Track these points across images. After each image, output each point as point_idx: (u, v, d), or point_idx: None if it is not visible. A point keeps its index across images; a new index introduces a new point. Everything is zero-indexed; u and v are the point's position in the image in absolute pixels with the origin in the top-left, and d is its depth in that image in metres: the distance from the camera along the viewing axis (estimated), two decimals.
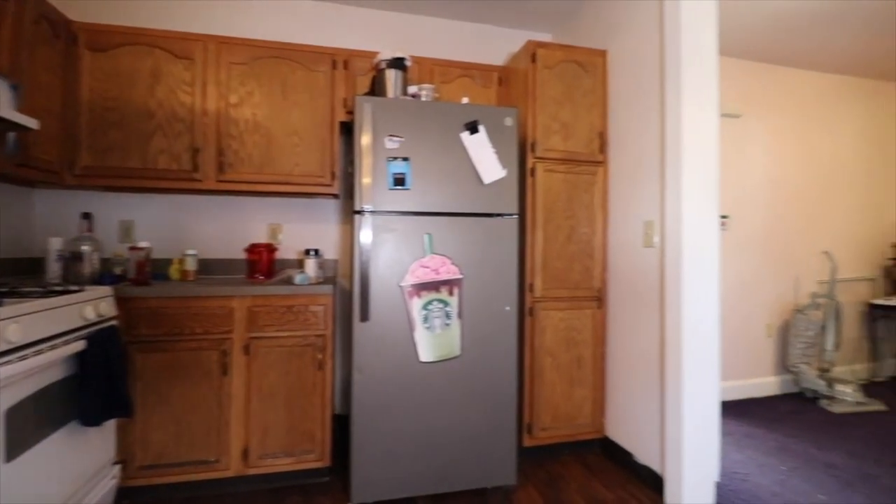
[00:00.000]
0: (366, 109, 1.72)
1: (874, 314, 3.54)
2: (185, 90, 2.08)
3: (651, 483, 1.95)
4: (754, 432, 2.58)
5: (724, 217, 3.11)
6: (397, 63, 1.98)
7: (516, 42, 2.93)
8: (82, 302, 1.50)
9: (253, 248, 2.25)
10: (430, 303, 1.79)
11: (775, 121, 3.32)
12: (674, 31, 1.82)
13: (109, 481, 1.66)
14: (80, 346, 1.39)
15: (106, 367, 1.51)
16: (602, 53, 2.29)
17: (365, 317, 1.73)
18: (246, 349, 1.88)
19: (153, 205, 2.33)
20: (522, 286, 2.21)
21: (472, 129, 1.84)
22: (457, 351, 1.83)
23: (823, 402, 3.02)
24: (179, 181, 2.08)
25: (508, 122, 1.89)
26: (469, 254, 1.84)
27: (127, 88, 2.03)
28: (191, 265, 2.12)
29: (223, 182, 2.12)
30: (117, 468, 1.72)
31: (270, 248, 2.24)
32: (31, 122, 1.55)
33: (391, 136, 1.75)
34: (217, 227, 2.40)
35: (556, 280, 2.19)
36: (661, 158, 1.93)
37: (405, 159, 1.77)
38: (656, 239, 1.95)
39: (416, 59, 2.39)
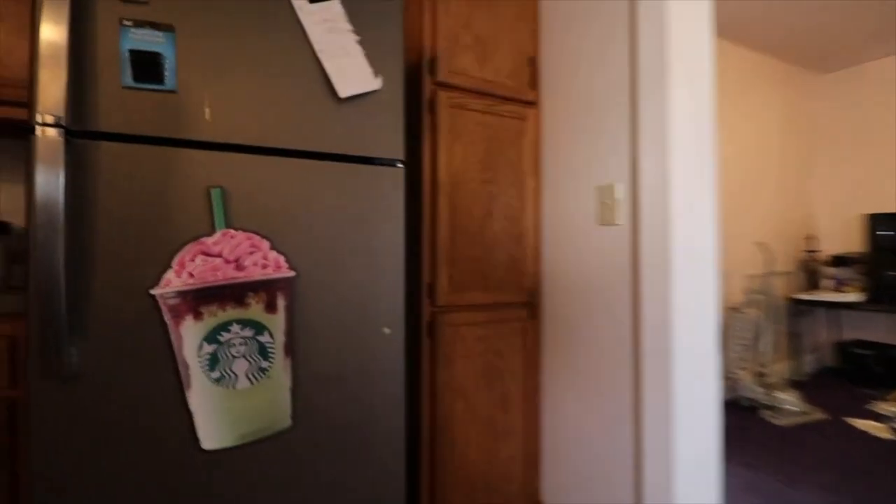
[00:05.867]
0: None
1: (796, 309, 3.34)
2: None
3: None
4: None
5: None
6: None
7: None
8: None
9: None
10: (221, 329, 0.88)
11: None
12: None
13: None
14: None
15: None
16: None
17: (52, 367, 0.76)
18: None
19: None
20: (414, 289, 1.39)
21: None
22: (283, 420, 0.94)
23: (766, 413, 2.65)
24: None
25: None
26: (311, 232, 0.97)
27: None
28: None
29: None
30: None
31: None
32: None
33: None
34: None
35: (470, 277, 1.40)
36: (630, 94, 1.23)
37: (163, 28, 0.84)
38: (621, 213, 1.25)
39: None
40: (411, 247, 1.42)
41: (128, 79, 0.82)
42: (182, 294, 0.85)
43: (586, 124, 1.38)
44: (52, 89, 0.72)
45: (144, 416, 0.84)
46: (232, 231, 0.89)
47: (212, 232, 0.87)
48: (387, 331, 1.04)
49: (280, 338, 0.93)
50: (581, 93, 1.40)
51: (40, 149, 0.72)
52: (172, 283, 0.84)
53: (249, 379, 0.90)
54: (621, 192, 1.25)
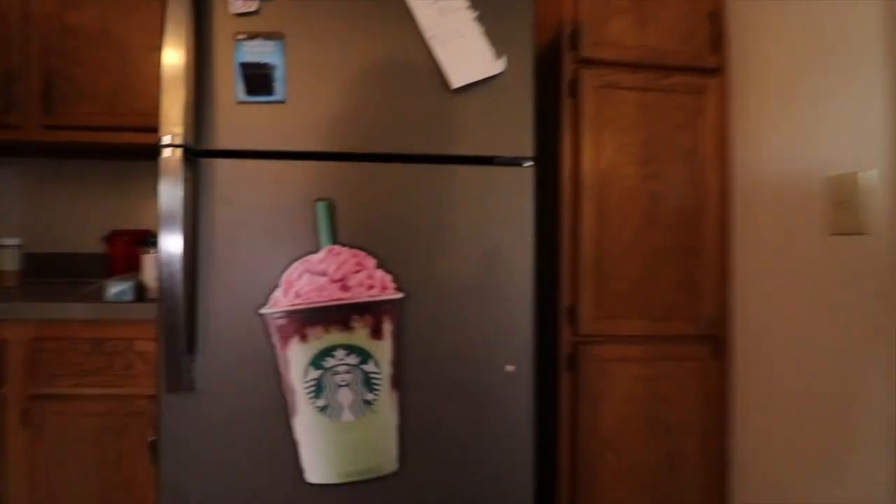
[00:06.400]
0: None
1: None
2: None
3: None
4: None
5: None
6: None
7: None
8: None
9: (114, 237, 1.41)
10: (326, 353, 0.81)
11: None
12: None
13: None
14: None
15: None
16: None
17: (179, 381, 0.79)
18: (25, 417, 1.03)
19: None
20: (549, 314, 1.15)
21: None
22: (389, 463, 0.83)
23: None
24: None
25: None
26: (421, 248, 0.84)
27: None
28: (9, 263, 1.32)
29: (53, 130, 1.30)
30: None
31: (138, 237, 1.38)
32: None
33: None
34: (66, 206, 1.56)
35: (623, 300, 1.11)
36: (892, 35, 0.79)
37: (274, 37, 0.81)
38: (874, 216, 0.81)
39: None
40: (545, 263, 1.19)
41: (241, 93, 0.81)
42: (289, 314, 0.80)
43: (808, 89, 0.96)
44: (173, 111, 0.74)
45: (253, 439, 0.81)
46: (338, 247, 0.81)
47: (318, 248, 0.81)
48: (510, 368, 0.85)
49: (386, 368, 0.82)
50: (797, 45, 0.98)
51: (162, 168, 0.74)
52: (280, 302, 0.80)
53: (354, 411, 0.81)
54: (873, 182, 0.81)
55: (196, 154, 0.80)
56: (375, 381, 0.82)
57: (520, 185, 0.86)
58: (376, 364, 0.82)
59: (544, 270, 1.18)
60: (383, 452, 0.82)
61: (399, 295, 0.82)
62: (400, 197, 0.84)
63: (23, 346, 1.03)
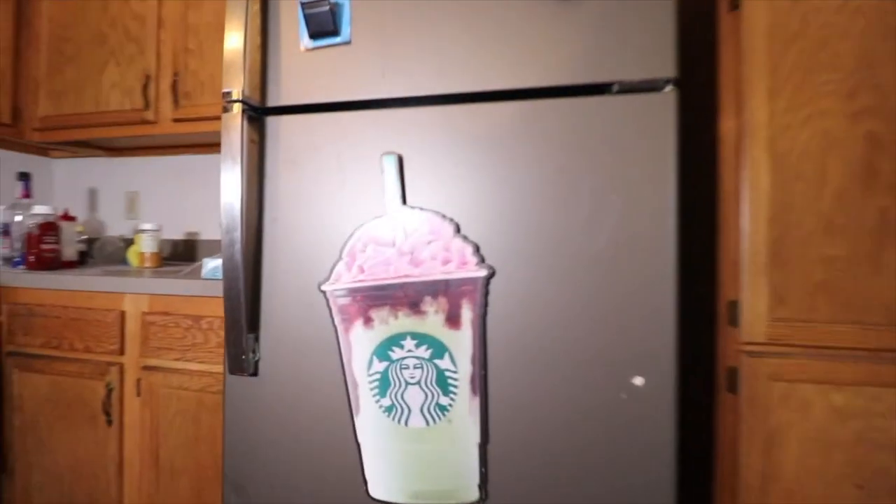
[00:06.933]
0: None
1: None
2: None
3: None
4: None
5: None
6: None
7: None
8: None
9: None
10: (392, 342, 0.66)
11: None
12: None
13: None
14: None
15: None
16: None
17: (239, 362, 0.71)
18: (138, 386, 1.09)
19: (165, 169, 1.77)
20: (701, 309, 0.84)
21: None
22: (468, 490, 0.64)
23: None
24: (130, 125, 1.44)
25: None
26: (515, 210, 0.64)
27: (81, 8, 1.49)
28: (148, 246, 1.46)
29: (181, 122, 1.40)
30: None
31: None
32: None
33: None
34: (200, 195, 1.69)
35: (818, 295, 0.75)
36: None
37: None
38: None
39: None
40: (693, 237, 0.89)
41: (306, 40, 0.70)
42: (352, 293, 0.67)
43: None
44: (235, 69, 0.66)
45: (313, 437, 0.70)
46: (408, 211, 0.65)
47: (385, 213, 0.66)
48: (638, 381, 0.60)
49: (465, 366, 0.64)
50: None
51: (223, 127, 0.66)
52: (343, 277, 0.67)
53: (425, 416, 0.65)
54: None
55: (263, 112, 0.72)
56: (452, 382, 0.64)
57: (656, 119, 0.61)
58: (452, 360, 0.64)
59: (692, 247, 0.87)
60: (461, 475, 0.64)
61: (482, 272, 0.63)
62: (487, 144, 0.65)
63: (137, 319, 1.09)
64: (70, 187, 1.84)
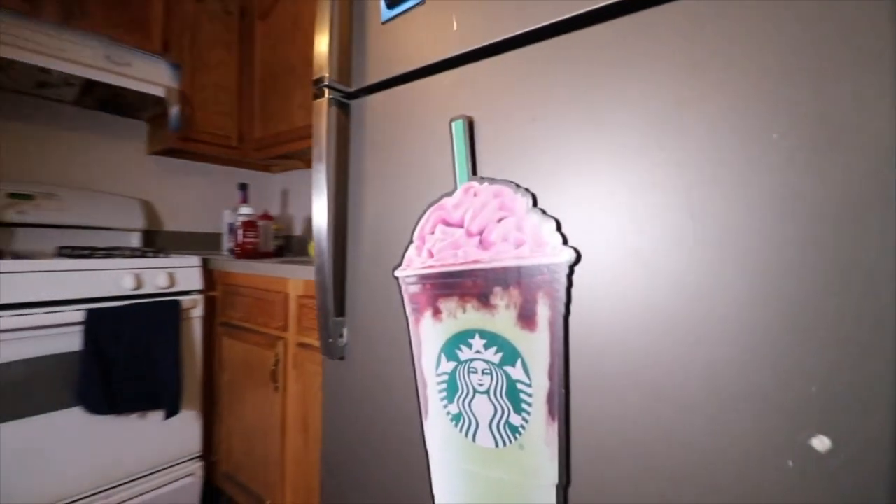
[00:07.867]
0: None
1: None
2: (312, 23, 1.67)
3: None
4: None
5: None
6: None
7: None
8: (146, 268, 1.32)
9: None
10: (460, 340, 0.56)
11: None
12: None
13: (187, 477, 1.44)
14: (75, 316, 1.16)
15: (131, 347, 1.24)
16: None
17: (329, 345, 0.71)
18: (294, 360, 1.24)
19: None
20: None
21: None
22: None
23: None
24: (308, 138, 1.69)
25: None
26: (610, 175, 0.47)
27: (281, 48, 1.83)
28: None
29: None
30: (198, 466, 1.47)
31: None
32: (157, 90, 1.54)
33: None
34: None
35: None
36: None
37: None
38: None
39: None
40: None
41: (384, 11, 0.66)
42: (421, 280, 0.59)
43: None
44: (323, 54, 0.67)
45: (390, 432, 0.65)
46: (476, 184, 0.55)
47: (455, 188, 0.57)
48: (821, 444, 0.35)
49: (541, 380, 0.49)
50: None
51: (315, 118, 0.67)
52: (413, 263, 0.61)
53: (494, 435, 0.53)
54: None
55: (350, 96, 0.72)
56: (525, 398, 0.50)
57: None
58: (525, 369, 0.50)
59: None
60: None
61: (560, 257, 0.47)
62: (570, 80, 0.49)
63: (295, 302, 1.25)
64: (282, 194, 2.30)
